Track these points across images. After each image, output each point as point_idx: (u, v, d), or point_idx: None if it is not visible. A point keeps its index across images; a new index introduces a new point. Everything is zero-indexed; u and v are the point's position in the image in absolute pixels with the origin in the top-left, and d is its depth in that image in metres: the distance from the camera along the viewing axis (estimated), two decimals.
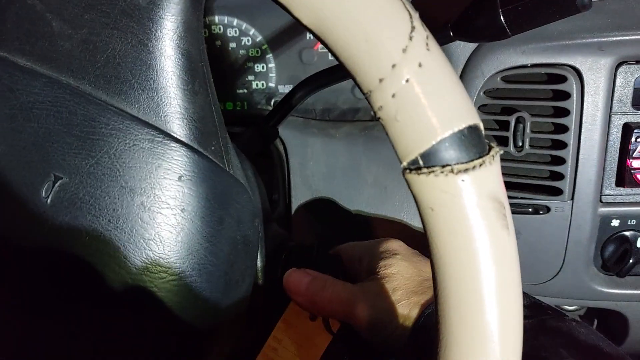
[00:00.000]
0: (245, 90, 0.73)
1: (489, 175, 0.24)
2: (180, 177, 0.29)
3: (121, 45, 0.28)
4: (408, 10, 0.23)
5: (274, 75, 0.72)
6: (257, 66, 0.72)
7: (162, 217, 0.29)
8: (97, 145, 0.29)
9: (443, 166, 0.22)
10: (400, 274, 0.42)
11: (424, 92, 0.23)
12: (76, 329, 0.29)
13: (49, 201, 0.28)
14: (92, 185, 0.28)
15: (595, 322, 0.67)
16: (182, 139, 0.29)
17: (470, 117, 0.24)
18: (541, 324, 0.38)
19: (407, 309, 0.39)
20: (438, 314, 0.25)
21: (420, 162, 0.23)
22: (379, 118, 0.24)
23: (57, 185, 0.29)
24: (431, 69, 0.23)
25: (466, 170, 0.23)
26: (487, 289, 0.24)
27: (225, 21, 0.69)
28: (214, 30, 0.70)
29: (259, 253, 0.44)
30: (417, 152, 0.23)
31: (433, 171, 0.23)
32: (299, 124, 0.67)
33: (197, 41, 0.30)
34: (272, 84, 0.73)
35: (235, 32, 0.70)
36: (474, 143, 0.23)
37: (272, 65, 0.72)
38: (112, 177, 0.28)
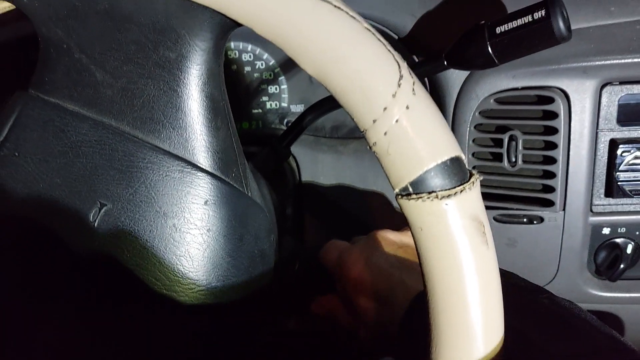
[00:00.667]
0: (260, 110, 0.78)
1: (469, 199, 0.28)
2: (206, 202, 0.34)
3: (154, 92, 0.33)
4: (397, 61, 0.28)
5: (286, 95, 0.77)
6: (271, 88, 0.77)
7: (191, 236, 0.34)
8: (135, 176, 0.33)
9: (429, 192, 0.27)
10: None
11: (412, 129, 0.28)
12: (120, 332, 0.34)
13: (95, 225, 0.33)
14: (132, 210, 0.33)
15: None
16: (207, 168, 0.34)
17: (452, 150, 0.28)
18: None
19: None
20: (429, 316, 0.30)
21: (410, 189, 0.28)
22: (374, 152, 0.29)
23: (102, 211, 0.33)
24: (417, 110, 0.28)
25: (449, 195, 0.27)
26: (471, 294, 0.28)
27: (240, 47, 0.74)
28: (230, 55, 0.75)
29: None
30: (407, 180, 0.28)
31: (421, 197, 0.27)
32: (310, 141, 0.71)
33: (218, 84, 0.35)
34: (284, 104, 0.77)
35: (250, 57, 0.75)
36: (455, 172, 0.28)
37: (284, 86, 0.76)
38: (148, 203, 0.33)
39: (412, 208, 0.28)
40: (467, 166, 0.29)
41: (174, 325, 0.34)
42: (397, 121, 0.27)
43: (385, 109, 0.27)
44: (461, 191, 0.28)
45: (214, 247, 0.34)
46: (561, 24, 0.41)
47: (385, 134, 0.28)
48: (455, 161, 0.28)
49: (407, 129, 0.27)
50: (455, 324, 0.29)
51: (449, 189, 0.27)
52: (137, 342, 0.34)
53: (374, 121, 0.28)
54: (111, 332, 0.34)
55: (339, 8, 0.28)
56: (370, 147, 0.29)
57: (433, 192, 0.27)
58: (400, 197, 0.28)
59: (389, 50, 0.28)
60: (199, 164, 0.34)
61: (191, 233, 0.34)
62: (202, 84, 0.33)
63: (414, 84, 0.28)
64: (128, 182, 0.33)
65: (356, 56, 0.27)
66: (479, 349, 0.28)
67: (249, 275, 0.37)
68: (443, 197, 0.27)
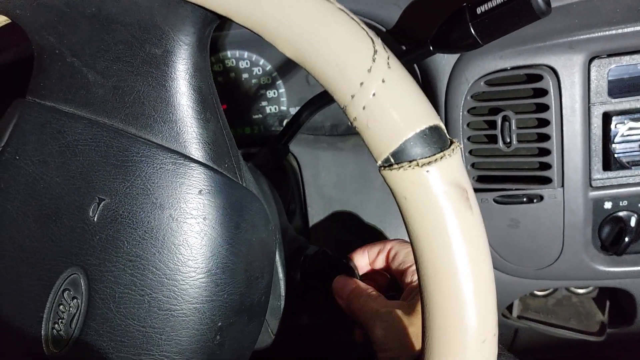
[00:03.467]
0: (260, 115, 0.80)
1: (450, 165, 0.29)
2: (200, 191, 0.35)
3: (144, 88, 0.34)
4: (371, 38, 0.29)
5: (285, 99, 0.79)
6: (269, 92, 0.79)
7: (188, 225, 0.35)
8: (130, 170, 0.35)
9: (410, 161, 0.28)
10: None
11: (389, 102, 0.29)
12: (124, 323, 0.35)
13: (95, 219, 0.35)
14: (129, 203, 0.35)
15: (608, 303, 0.70)
16: (199, 159, 0.35)
17: (431, 119, 0.29)
18: None
19: (418, 345, 0.44)
20: (420, 281, 0.30)
21: (392, 160, 0.29)
22: (355, 127, 0.30)
23: (101, 205, 0.35)
24: (393, 83, 0.29)
25: (429, 163, 0.28)
26: (459, 257, 0.29)
27: (237, 55, 0.77)
28: (228, 64, 0.77)
29: (278, 257, 0.50)
30: (388, 151, 0.29)
31: (402, 166, 0.29)
32: (310, 140, 0.73)
33: (205, 77, 0.36)
34: (284, 107, 0.79)
35: (247, 64, 0.77)
36: (435, 140, 0.29)
37: (282, 90, 0.78)
38: (144, 195, 0.35)
39: (395, 178, 0.29)
40: (447, 135, 0.30)
41: (178, 313, 0.35)
42: (374, 95, 0.28)
43: (361, 83, 0.28)
44: (441, 158, 0.29)
45: (211, 235, 0.35)
46: (540, 0, 0.42)
47: (363, 108, 0.29)
48: (434, 129, 0.29)
49: (384, 101, 0.29)
50: (445, 287, 0.29)
51: (429, 157, 0.28)
52: (141, 332, 0.35)
53: (352, 96, 0.29)
54: (115, 324, 0.35)
55: None
56: (351, 123, 0.30)
57: (414, 160, 0.28)
58: (382, 168, 0.29)
59: (362, 28, 0.29)
60: (191, 156, 0.35)
61: (188, 222, 0.35)
62: (189, 77, 0.35)
63: (388, 58, 0.29)
64: (124, 176, 0.35)
65: (330, 35, 0.29)
66: (471, 308, 0.29)
67: (249, 262, 0.38)
68: (424, 164, 0.28)
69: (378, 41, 0.29)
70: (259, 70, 0.78)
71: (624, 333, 0.69)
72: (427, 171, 0.28)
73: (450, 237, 0.29)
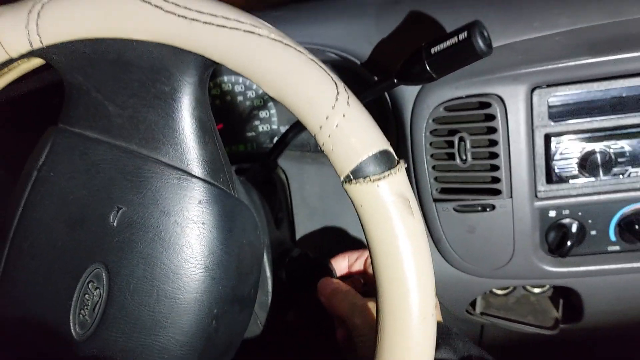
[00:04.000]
0: (254, 133, 0.87)
1: (396, 180, 0.37)
2: (199, 201, 0.42)
3: (155, 118, 0.41)
4: (335, 82, 0.38)
5: (276, 118, 0.86)
6: (262, 113, 0.86)
7: (189, 229, 0.42)
8: (143, 184, 0.42)
9: (364, 177, 0.36)
10: None
11: (348, 131, 0.37)
12: (137, 308, 0.42)
13: (115, 224, 0.42)
14: (142, 211, 0.42)
15: (561, 301, 0.78)
16: (199, 175, 0.42)
17: (381, 144, 0.38)
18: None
19: None
20: (374, 272, 0.38)
21: (351, 177, 0.37)
22: (323, 150, 0.38)
23: (119, 213, 0.42)
24: (352, 117, 0.37)
25: (379, 178, 0.36)
26: (403, 252, 0.37)
27: (233, 80, 0.84)
28: (224, 88, 0.85)
29: (266, 257, 0.58)
30: (348, 170, 0.37)
31: (359, 181, 0.37)
32: (296, 156, 0.81)
33: (205, 109, 0.43)
34: (275, 126, 0.87)
35: (242, 88, 0.85)
36: (384, 161, 0.37)
37: (273, 111, 0.86)
38: (154, 205, 0.41)
39: (353, 190, 0.37)
40: (395, 156, 0.38)
41: (181, 301, 0.43)
42: (337, 126, 0.36)
43: (327, 117, 0.36)
44: (389, 175, 0.37)
45: (208, 237, 0.42)
46: (481, 43, 0.50)
47: (329, 136, 0.37)
48: (384, 152, 0.37)
49: (345, 131, 0.37)
50: (392, 276, 0.37)
51: (379, 174, 0.36)
52: (151, 317, 0.42)
53: (320, 127, 0.37)
54: (130, 310, 0.42)
55: (288, 45, 0.37)
56: (320, 147, 0.38)
57: (367, 176, 0.36)
58: (344, 183, 0.37)
59: (328, 74, 0.37)
60: (192, 172, 0.42)
61: (190, 227, 0.42)
62: (192, 109, 0.42)
63: (348, 97, 0.37)
64: (138, 189, 0.42)
65: (303, 81, 0.37)
66: (413, 293, 0.37)
67: (240, 260, 0.46)
68: (375, 180, 0.36)
69: (341, 84, 0.38)
70: (252, 94, 0.85)
71: (576, 329, 0.77)
72: (378, 185, 0.36)
73: (396, 236, 0.36)
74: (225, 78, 0.84)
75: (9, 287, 0.45)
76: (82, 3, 0.40)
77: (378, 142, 0.38)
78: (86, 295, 0.43)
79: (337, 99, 0.37)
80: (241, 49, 0.37)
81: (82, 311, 0.43)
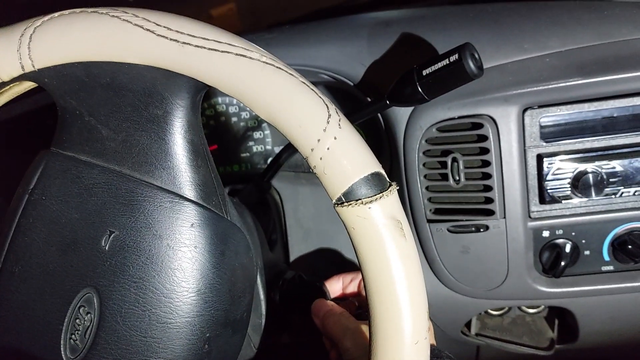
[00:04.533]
0: (248, 154, 0.88)
1: (388, 203, 0.37)
2: (192, 225, 0.42)
3: (148, 141, 0.41)
4: (326, 104, 0.38)
5: (270, 139, 0.87)
6: (256, 134, 0.87)
7: (182, 252, 0.42)
8: (135, 208, 0.42)
9: (357, 200, 0.36)
10: None
11: (340, 154, 0.37)
12: (128, 332, 0.42)
13: (107, 248, 0.42)
14: (134, 235, 0.41)
15: (557, 321, 0.78)
16: (191, 198, 0.42)
17: (373, 167, 0.38)
18: None
19: None
20: (367, 295, 0.38)
21: (343, 199, 0.37)
22: (315, 173, 0.38)
23: (111, 237, 0.42)
24: (343, 139, 0.37)
25: (371, 201, 0.36)
26: (395, 274, 0.37)
27: (227, 101, 0.85)
28: (219, 109, 0.85)
29: (259, 280, 0.58)
30: (340, 192, 0.37)
31: (351, 204, 0.37)
32: (291, 177, 0.81)
33: (197, 132, 0.43)
34: (269, 147, 0.87)
35: (236, 109, 0.85)
36: (376, 183, 0.37)
37: (267, 132, 0.86)
38: (147, 228, 0.41)
39: (346, 213, 0.37)
40: (387, 179, 0.38)
41: (173, 325, 0.42)
42: (328, 149, 0.37)
43: (319, 140, 0.37)
44: (381, 197, 0.37)
45: (200, 261, 0.42)
46: (472, 65, 0.51)
47: (321, 158, 0.37)
48: (375, 175, 0.37)
49: (337, 154, 0.37)
50: (385, 299, 0.37)
51: (371, 196, 0.36)
52: (143, 341, 0.42)
53: (312, 150, 0.37)
54: (122, 335, 0.42)
55: (279, 68, 0.37)
56: (312, 170, 0.38)
57: (359, 199, 0.36)
58: (336, 205, 0.37)
59: (319, 97, 0.37)
60: (185, 195, 0.42)
61: (182, 250, 0.42)
62: (184, 132, 0.42)
63: (339, 120, 0.37)
64: (130, 212, 0.42)
65: (294, 104, 0.37)
66: (406, 316, 0.37)
67: (233, 283, 0.45)
68: (367, 202, 0.36)
69: (332, 107, 0.38)
70: (246, 115, 0.86)
71: (571, 349, 0.77)
72: (370, 207, 0.36)
73: (388, 258, 0.36)
74: (220, 99, 0.85)
75: (0, 310, 0.44)
76: (75, 27, 0.40)
77: (370, 164, 0.38)
78: (77, 320, 0.42)
79: (328, 122, 0.37)
80: (232, 72, 0.37)
81: (73, 336, 0.42)
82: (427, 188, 0.66)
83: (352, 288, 0.64)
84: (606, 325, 0.71)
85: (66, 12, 0.41)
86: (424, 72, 0.53)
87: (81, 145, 0.43)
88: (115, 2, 0.43)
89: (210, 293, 0.43)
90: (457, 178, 0.63)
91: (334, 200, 0.38)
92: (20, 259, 0.44)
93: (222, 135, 0.86)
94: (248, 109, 0.85)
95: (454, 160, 0.62)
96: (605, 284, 0.66)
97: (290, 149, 0.68)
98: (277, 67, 0.38)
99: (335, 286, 0.64)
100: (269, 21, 1.15)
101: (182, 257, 0.42)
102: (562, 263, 0.63)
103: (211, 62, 0.38)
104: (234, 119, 0.86)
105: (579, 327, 0.72)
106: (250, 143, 0.87)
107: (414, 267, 0.38)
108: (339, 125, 0.38)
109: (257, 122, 0.86)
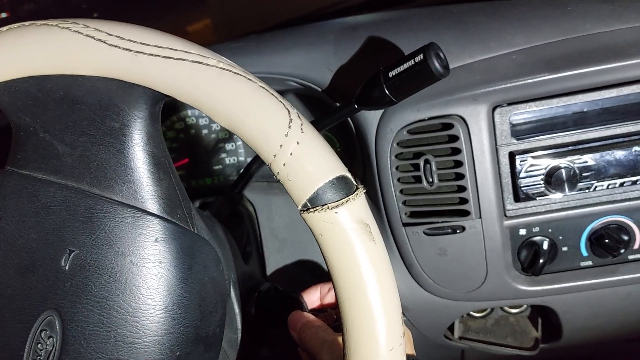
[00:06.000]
0: (220, 166, 0.87)
1: (355, 206, 0.36)
2: (156, 239, 0.41)
3: (106, 155, 0.40)
4: (287, 109, 0.37)
5: (242, 150, 0.86)
6: (228, 145, 0.86)
7: (146, 269, 0.40)
8: (96, 225, 0.40)
9: (322, 205, 0.35)
10: None
11: (303, 159, 0.36)
12: (93, 355, 0.40)
13: (67, 268, 0.40)
14: (96, 253, 0.40)
15: (540, 320, 0.77)
16: (154, 212, 0.41)
17: (338, 170, 0.37)
18: None
19: None
20: (338, 303, 0.37)
21: (309, 205, 0.36)
22: (279, 180, 0.37)
23: (71, 256, 0.40)
24: (306, 144, 0.36)
25: (337, 205, 0.36)
26: (367, 279, 0.36)
27: (197, 113, 0.84)
28: (189, 121, 0.84)
29: (233, 293, 0.56)
30: (305, 198, 0.36)
31: (317, 209, 0.36)
32: (264, 187, 0.80)
33: (158, 143, 0.42)
34: (242, 158, 0.86)
35: (206, 121, 0.84)
36: (341, 187, 0.36)
37: (239, 143, 0.85)
38: (108, 245, 0.40)
39: (312, 219, 0.36)
40: (353, 181, 0.37)
41: (141, 345, 0.41)
42: (291, 154, 0.36)
43: (281, 145, 0.36)
44: (347, 201, 0.36)
45: (167, 276, 0.41)
46: (437, 64, 0.50)
47: (284, 164, 0.36)
48: (341, 179, 0.36)
49: (300, 159, 0.36)
50: (357, 306, 0.36)
51: (338, 201, 0.35)
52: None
53: (274, 156, 0.36)
54: (87, 358, 0.40)
55: (237, 74, 0.36)
56: (275, 176, 0.37)
57: (325, 204, 0.35)
58: (302, 212, 0.36)
59: (280, 101, 0.37)
60: (147, 209, 0.41)
61: (146, 266, 0.40)
62: (144, 144, 0.41)
63: (301, 124, 0.36)
64: (90, 230, 0.41)
65: (254, 109, 0.36)
66: (380, 322, 0.36)
67: (202, 298, 0.44)
68: (333, 207, 0.35)
69: (293, 111, 0.37)
70: (217, 126, 0.85)
71: (556, 347, 0.76)
72: (336, 212, 0.35)
73: (358, 263, 0.35)
74: (189, 112, 0.83)
75: None
76: (24, 40, 0.39)
77: (335, 168, 0.37)
78: (39, 345, 0.41)
79: (290, 126, 0.37)
80: (189, 80, 0.36)
81: None
82: (401, 191, 0.65)
83: (330, 298, 0.63)
84: (589, 321, 0.70)
85: (14, 25, 0.40)
86: (390, 74, 0.53)
87: (37, 162, 0.42)
88: (82, 15, 0.41)
89: (178, 309, 0.41)
90: (431, 180, 0.62)
91: (299, 207, 0.37)
92: None
93: (193, 148, 0.85)
94: None
95: (427, 162, 0.62)
96: (585, 279, 0.65)
97: (259, 159, 0.67)
98: (235, 72, 0.37)
99: (313, 296, 0.63)
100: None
101: (146, 274, 0.40)
102: (541, 261, 0.63)
103: (166, 71, 0.37)
104: (205, 131, 0.85)
105: (562, 324, 0.71)
106: (223, 155, 0.86)
107: (384, 271, 0.37)
108: (301, 129, 0.37)
109: (228, 134, 0.85)
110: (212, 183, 0.86)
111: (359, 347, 0.37)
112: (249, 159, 0.86)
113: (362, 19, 0.71)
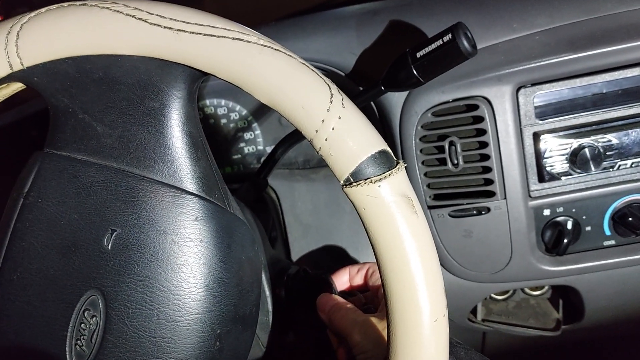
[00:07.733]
0: (240, 155, 0.87)
1: (397, 180, 0.37)
2: (196, 218, 0.41)
3: (145, 135, 0.40)
4: (328, 85, 0.37)
5: (261, 139, 0.86)
6: (246, 134, 0.86)
7: (187, 247, 0.40)
8: (137, 204, 0.41)
9: (365, 179, 0.36)
10: None
11: (345, 133, 0.36)
12: (137, 333, 0.41)
13: (109, 247, 0.41)
14: (137, 232, 0.40)
15: (561, 302, 0.78)
16: (194, 192, 0.41)
17: (379, 145, 0.37)
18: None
19: None
20: (381, 276, 0.37)
21: (351, 179, 0.36)
22: (320, 155, 0.37)
23: (113, 235, 0.41)
24: (347, 119, 0.37)
25: (380, 179, 0.36)
26: (410, 252, 0.36)
27: (215, 103, 0.84)
28: (207, 111, 0.84)
29: (264, 276, 0.56)
30: (348, 172, 0.36)
31: (359, 183, 0.36)
32: (286, 174, 0.80)
33: (195, 124, 0.43)
34: (260, 147, 0.87)
35: (225, 110, 0.84)
36: (383, 161, 0.37)
37: (258, 132, 0.86)
38: (149, 224, 0.40)
39: (354, 193, 0.36)
40: (393, 156, 0.38)
41: (183, 323, 0.41)
42: (333, 129, 0.36)
43: (323, 120, 0.36)
44: (389, 175, 0.36)
45: (207, 255, 0.41)
46: (465, 43, 0.51)
47: (326, 139, 0.36)
48: (382, 153, 0.36)
49: (342, 133, 0.36)
50: (400, 278, 0.36)
51: (380, 175, 0.36)
52: (152, 342, 0.41)
53: (317, 131, 0.36)
54: (130, 337, 0.41)
55: (278, 50, 0.37)
56: (317, 152, 0.37)
57: (368, 178, 0.35)
58: (344, 186, 0.36)
59: (320, 77, 0.37)
60: (187, 189, 0.41)
61: (187, 245, 0.41)
62: (182, 124, 0.41)
63: (342, 99, 0.37)
64: (132, 209, 0.41)
65: (295, 85, 0.36)
66: (423, 294, 0.36)
67: (240, 277, 0.44)
68: (376, 181, 0.35)
69: (334, 87, 0.37)
70: (235, 116, 0.85)
71: (578, 328, 0.77)
72: (379, 186, 0.36)
73: (401, 236, 0.36)
74: (208, 101, 0.84)
75: (0, 321, 0.43)
76: (63, 21, 0.39)
77: (376, 142, 0.37)
78: (82, 325, 0.41)
79: (331, 102, 0.37)
80: (230, 57, 0.37)
81: (79, 342, 0.41)
82: (425, 174, 0.65)
83: (359, 280, 0.63)
84: (611, 300, 0.71)
85: (53, 6, 0.40)
86: (418, 55, 0.53)
87: (76, 143, 0.42)
88: None
89: (218, 288, 0.42)
90: (456, 162, 0.62)
91: (341, 182, 0.37)
92: (18, 266, 0.43)
93: (212, 137, 0.85)
94: (237, 109, 0.84)
95: (451, 144, 0.62)
96: (608, 258, 0.66)
97: (285, 143, 0.68)
98: (275, 49, 0.37)
99: (342, 278, 0.63)
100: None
101: (187, 252, 0.41)
102: (565, 241, 0.63)
103: (208, 48, 0.37)
104: (224, 121, 0.85)
105: (584, 304, 0.71)
106: (242, 144, 0.87)
107: (427, 244, 0.37)
108: (342, 104, 0.37)
109: (247, 123, 0.85)
110: (231, 171, 0.87)
111: (403, 319, 0.37)
112: (267, 148, 0.86)
113: (382, 4, 0.71)
